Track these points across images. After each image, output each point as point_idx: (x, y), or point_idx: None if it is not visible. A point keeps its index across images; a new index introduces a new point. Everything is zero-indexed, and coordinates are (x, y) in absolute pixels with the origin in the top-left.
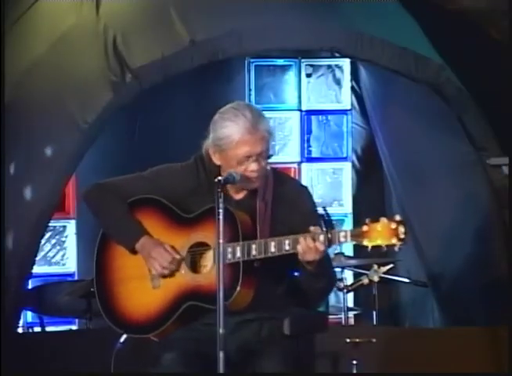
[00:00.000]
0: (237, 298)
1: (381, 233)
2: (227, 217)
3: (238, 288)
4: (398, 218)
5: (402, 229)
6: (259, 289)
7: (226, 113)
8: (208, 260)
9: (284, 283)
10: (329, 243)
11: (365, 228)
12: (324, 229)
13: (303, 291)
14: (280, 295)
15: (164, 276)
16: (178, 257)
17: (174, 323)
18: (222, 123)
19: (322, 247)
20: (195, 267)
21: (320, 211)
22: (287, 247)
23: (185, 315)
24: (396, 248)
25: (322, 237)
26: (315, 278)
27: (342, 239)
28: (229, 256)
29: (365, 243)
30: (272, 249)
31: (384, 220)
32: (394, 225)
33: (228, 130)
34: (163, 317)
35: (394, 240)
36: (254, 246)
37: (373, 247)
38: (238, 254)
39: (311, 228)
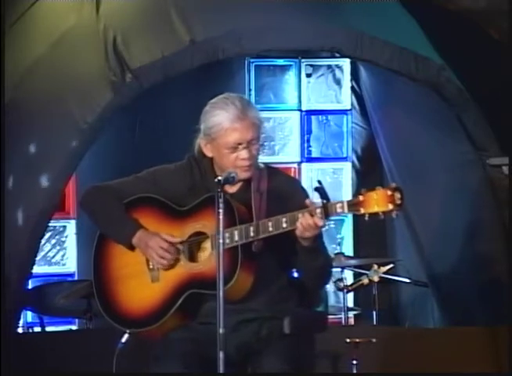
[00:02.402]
0: (237, 283)
1: (378, 201)
2: (224, 205)
3: (237, 272)
4: (393, 185)
5: (398, 195)
6: (258, 275)
7: (216, 102)
8: (206, 249)
9: (284, 272)
10: (327, 215)
11: (361, 197)
12: (321, 202)
13: (302, 272)
14: (281, 285)
15: (165, 268)
16: (176, 240)
17: (176, 314)
18: (212, 112)
19: (320, 222)
20: (193, 256)
21: (316, 184)
22: (284, 225)
23: (186, 305)
24: (393, 214)
25: (319, 211)
26: (312, 254)
27: (339, 210)
28: (227, 241)
29: (363, 211)
30: (270, 228)
31: (379, 188)
32: (390, 192)
33: (218, 118)
34: (164, 308)
35: (390, 206)
36: (251, 228)
37: (370, 215)
38: (236, 237)
39: (307, 202)
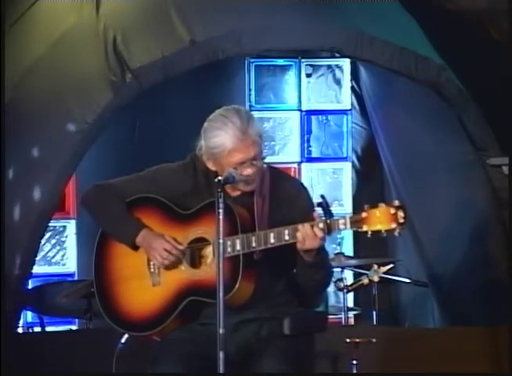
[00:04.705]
0: (238, 292)
1: (380, 219)
2: (226, 212)
3: (239, 281)
4: (397, 203)
5: (401, 214)
6: (259, 283)
7: (215, 121)
8: (208, 255)
9: (284, 279)
10: (329, 230)
11: (364, 214)
12: (323, 217)
13: (301, 283)
14: (280, 291)
15: (166, 269)
16: (180, 247)
17: (176, 320)
18: (212, 132)
19: (321, 235)
20: (194, 263)
21: (319, 199)
22: (287, 237)
23: (186, 311)
24: (396, 233)
25: (321, 225)
26: (312, 269)
27: (341, 226)
28: (229, 249)
29: (365, 228)
30: (272, 240)
31: (382, 205)
32: (393, 211)
33: (219, 139)
34: (164, 314)
35: (393, 225)
36: (253, 238)
37: (373, 232)
38: (238, 246)
39: (314, 215)
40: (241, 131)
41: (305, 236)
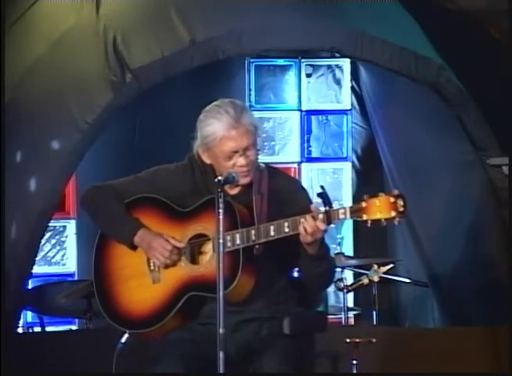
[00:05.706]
0: (238, 287)
1: (380, 208)
2: (225, 208)
3: (238, 275)
4: (396, 192)
5: (400, 203)
6: (259, 279)
7: (210, 111)
8: (208, 251)
9: (285, 276)
10: (329, 221)
11: (363, 204)
12: (323, 207)
13: (304, 278)
14: (281, 289)
15: (166, 267)
16: (179, 245)
17: (176, 317)
18: (206, 121)
19: (322, 226)
20: (194, 259)
21: (318, 190)
22: (286, 229)
23: (187, 307)
24: (396, 221)
25: (321, 216)
26: (316, 261)
27: (341, 216)
28: (229, 244)
29: (365, 218)
30: (272, 233)
31: (382, 195)
32: (392, 199)
33: (212, 127)
34: (164, 310)
35: (393, 213)
36: (253, 231)
37: (373, 221)
38: (237, 241)
39: (312, 207)
40: (234, 119)
41: (308, 229)
